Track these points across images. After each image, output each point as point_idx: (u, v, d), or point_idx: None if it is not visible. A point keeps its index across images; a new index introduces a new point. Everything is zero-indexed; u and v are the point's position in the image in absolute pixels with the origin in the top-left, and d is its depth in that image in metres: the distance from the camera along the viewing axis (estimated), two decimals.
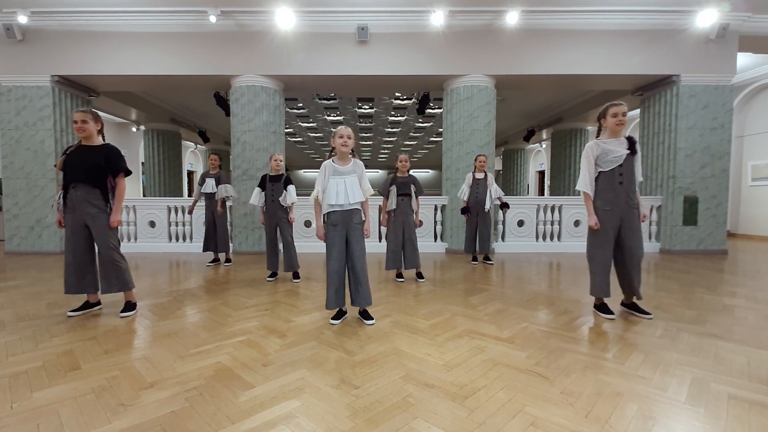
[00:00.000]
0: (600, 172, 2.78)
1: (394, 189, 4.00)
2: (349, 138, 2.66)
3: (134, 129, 11.11)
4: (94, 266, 2.94)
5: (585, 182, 2.80)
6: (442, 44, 5.93)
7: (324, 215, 2.72)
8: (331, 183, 2.66)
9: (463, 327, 2.62)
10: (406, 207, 4.04)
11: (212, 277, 4.38)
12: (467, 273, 4.58)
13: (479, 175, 5.03)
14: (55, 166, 2.85)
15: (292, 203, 4.05)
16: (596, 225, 2.77)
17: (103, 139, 2.92)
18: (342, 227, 2.67)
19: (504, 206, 5.05)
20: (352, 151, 2.75)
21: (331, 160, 2.72)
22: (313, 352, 2.19)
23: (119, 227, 3.09)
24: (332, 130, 14.46)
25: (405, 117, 12.48)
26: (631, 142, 2.72)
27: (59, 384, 1.81)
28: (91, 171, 2.76)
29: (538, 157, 16.63)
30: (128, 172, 2.91)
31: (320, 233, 2.72)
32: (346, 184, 2.64)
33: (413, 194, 4.05)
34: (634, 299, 2.91)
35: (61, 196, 2.81)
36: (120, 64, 5.89)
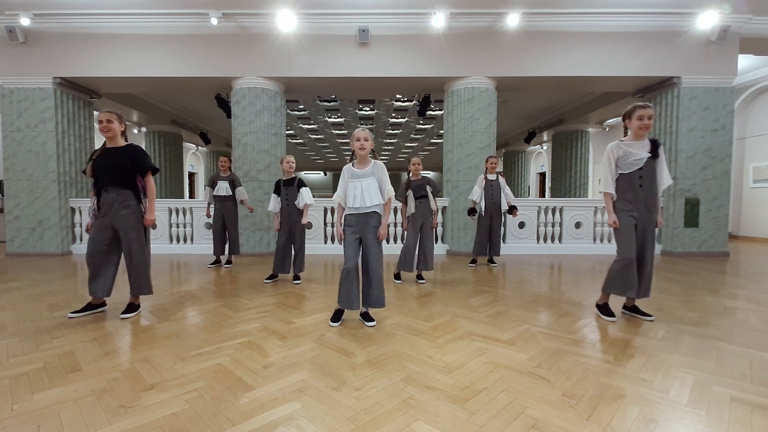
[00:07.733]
0: (620, 174, 2.79)
1: (410, 193, 4.02)
2: (366, 140, 2.65)
3: (136, 131, 11.12)
4: (110, 269, 2.92)
5: (607, 183, 2.83)
6: (443, 46, 5.94)
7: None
8: (348, 187, 2.69)
9: (464, 329, 2.62)
10: (425, 209, 4.06)
11: (213, 278, 4.39)
12: (468, 275, 4.57)
13: (491, 177, 5.02)
14: (83, 172, 2.86)
15: (305, 205, 3.98)
16: (615, 223, 2.79)
17: (126, 141, 2.92)
18: (356, 229, 2.69)
19: (513, 209, 5.01)
20: (372, 152, 2.74)
21: (351, 163, 2.73)
22: (313, 353, 2.19)
23: (149, 229, 3.10)
24: (333, 131, 14.48)
25: (406, 119, 12.49)
26: (654, 145, 2.70)
27: (60, 385, 1.81)
28: (120, 173, 2.77)
29: (539, 158, 16.63)
30: (155, 170, 2.92)
31: (339, 235, 2.75)
32: (362, 187, 2.65)
33: (430, 195, 4.06)
34: (635, 302, 2.91)
35: (95, 201, 2.82)
36: (122, 66, 5.91)
